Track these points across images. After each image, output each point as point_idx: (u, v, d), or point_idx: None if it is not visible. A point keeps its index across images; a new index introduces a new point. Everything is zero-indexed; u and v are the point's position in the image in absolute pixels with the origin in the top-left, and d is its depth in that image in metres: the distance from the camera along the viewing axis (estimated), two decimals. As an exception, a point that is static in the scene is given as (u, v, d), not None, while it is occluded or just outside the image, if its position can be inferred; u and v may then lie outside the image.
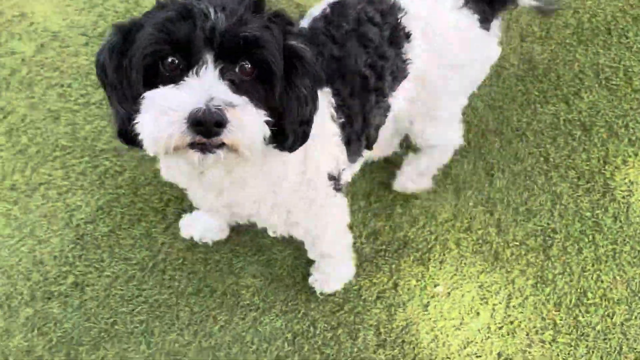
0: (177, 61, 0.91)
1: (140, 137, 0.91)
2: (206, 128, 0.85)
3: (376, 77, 1.36)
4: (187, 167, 1.13)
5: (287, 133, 1.01)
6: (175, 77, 0.91)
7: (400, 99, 1.47)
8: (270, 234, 1.44)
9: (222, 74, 0.90)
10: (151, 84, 0.92)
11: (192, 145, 0.90)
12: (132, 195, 1.87)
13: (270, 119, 0.95)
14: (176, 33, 0.89)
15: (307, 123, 1.04)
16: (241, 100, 0.89)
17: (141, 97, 0.90)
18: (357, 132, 1.36)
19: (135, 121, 0.91)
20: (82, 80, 2.06)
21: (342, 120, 1.29)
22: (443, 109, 1.57)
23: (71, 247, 1.78)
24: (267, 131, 0.94)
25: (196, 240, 1.80)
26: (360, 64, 1.32)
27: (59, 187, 1.87)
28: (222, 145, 0.90)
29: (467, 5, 1.39)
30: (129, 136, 0.96)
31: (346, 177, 1.45)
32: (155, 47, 0.90)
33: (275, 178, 1.21)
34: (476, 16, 1.41)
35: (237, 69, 0.93)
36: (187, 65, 0.91)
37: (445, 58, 1.43)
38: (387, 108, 1.45)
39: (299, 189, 1.26)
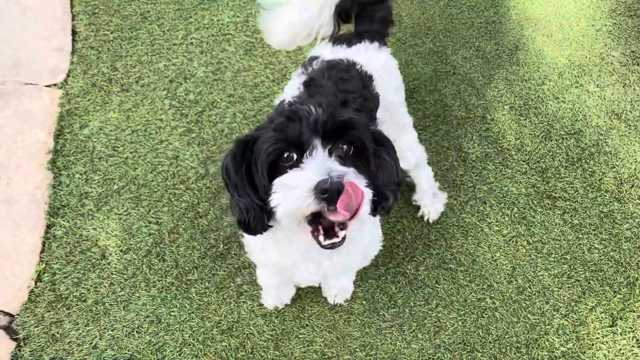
0: (292, 154, 1.11)
1: (275, 212, 1.09)
2: (331, 194, 1.00)
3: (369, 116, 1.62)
4: (303, 245, 1.30)
5: (388, 195, 1.19)
6: (291, 167, 1.10)
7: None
8: (330, 301, 1.79)
9: (330, 153, 1.09)
10: (272, 178, 1.12)
11: (316, 231, 1.09)
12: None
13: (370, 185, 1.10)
14: (289, 131, 1.09)
15: (398, 185, 1.22)
16: (352, 171, 1.07)
17: (271, 185, 1.09)
18: None
19: (270, 200, 1.09)
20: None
21: None
22: (403, 118, 1.95)
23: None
24: (370, 195, 1.09)
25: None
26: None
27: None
28: (342, 225, 1.07)
29: (381, 44, 1.80)
30: (249, 225, 1.16)
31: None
32: (275, 146, 1.10)
33: (367, 240, 1.42)
34: (388, 49, 1.82)
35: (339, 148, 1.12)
36: (299, 156, 1.10)
37: (392, 84, 1.82)
38: None
39: (373, 233, 1.49)
